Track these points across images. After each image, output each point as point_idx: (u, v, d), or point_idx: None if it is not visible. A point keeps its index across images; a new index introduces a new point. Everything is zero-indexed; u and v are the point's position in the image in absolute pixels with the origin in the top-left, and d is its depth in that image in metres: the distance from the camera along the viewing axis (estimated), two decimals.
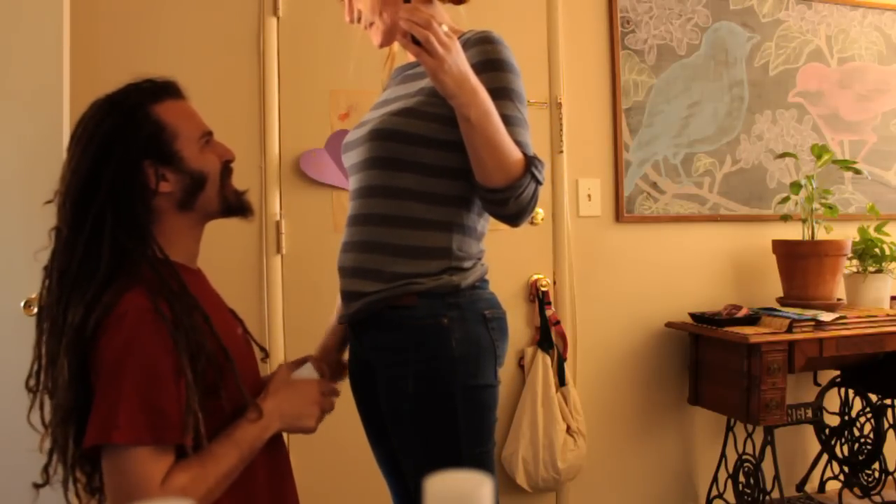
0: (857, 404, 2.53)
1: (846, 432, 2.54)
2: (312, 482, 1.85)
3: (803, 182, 2.40)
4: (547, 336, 2.23)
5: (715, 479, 2.41)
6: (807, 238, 2.40)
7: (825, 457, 2.58)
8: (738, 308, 2.32)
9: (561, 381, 2.21)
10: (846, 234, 2.48)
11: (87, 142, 0.97)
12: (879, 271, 2.47)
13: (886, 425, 2.44)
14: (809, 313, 2.18)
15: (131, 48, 1.92)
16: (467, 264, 1.14)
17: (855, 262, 2.50)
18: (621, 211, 2.40)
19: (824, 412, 2.49)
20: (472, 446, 1.09)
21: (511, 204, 1.05)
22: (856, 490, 2.50)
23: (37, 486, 0.94)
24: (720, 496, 2.39)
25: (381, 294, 1.11)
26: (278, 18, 2.06)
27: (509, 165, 1.03)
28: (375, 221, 1.14)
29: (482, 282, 1.17)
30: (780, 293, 2.47)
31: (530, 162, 1.05)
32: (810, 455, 2.63)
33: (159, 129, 0.99)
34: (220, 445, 0.94)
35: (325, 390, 1.11)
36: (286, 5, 2.07)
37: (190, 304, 0.94)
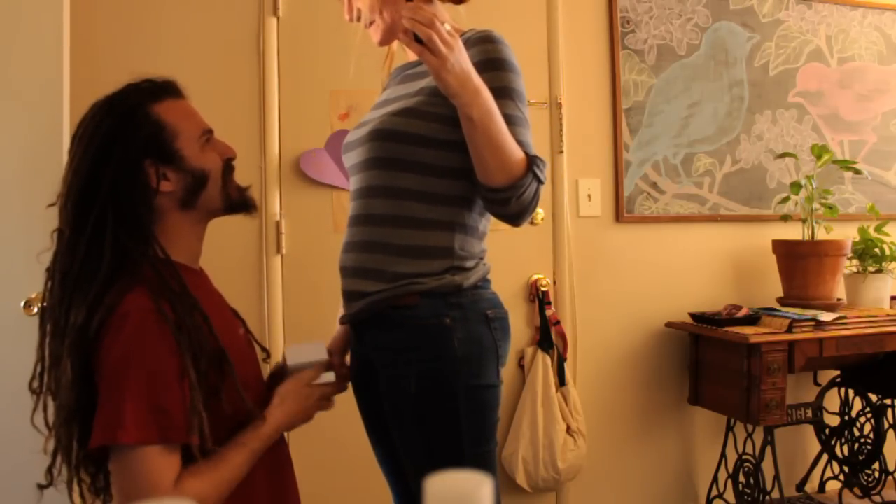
0: (857, 404, 2.53)
1: (846, 432, 2.54)
2: (313, 482, 1.85)
3: (803, 182, 2.40)
4: (547, 336, 2.23)
5: (715, 479, 2.41)
6: (807, 238, 2.40)
7: (825, 457, 2.58)
8: (738, 308, 2.32)
9: (561, 381, 2.21)
10: (846, 234, 2.48)
11: (88, 143, 0.97)
12: (879, 271, 2.47)
13: (886, 425, 2.44)
14: (809, 313, 2.18)
15: (131, 48, 1.92)
16: (469, 264, 1.14)
17: (855, 262, 2.50)
18: (621, 211, 2.40)
19: (824, 412, 2.49)
20: (474, 446, 1.09)
21: (513, 203, 1.05)
22: (856, 490, 2.50)
23: (41, 487, 0.94)
24: (720, 496, 2.39)
25: (383, 294, 1.11)
26: (278, 18, 2.06)
27: (511, 165, 1.03)
28: (377, 221, 1.13)
29: (484, 281, 1.17)
30: (780, 293, 2.47)
31: (532, 161, 1.05)
32: (810, 455, 2.63)
33: (159, 128, 0.99)
34: (231, 451, 0.95)
35: (330, 393, 1.12)
36: (286, 5, 2.07)
37: (190, 304, 0.94)
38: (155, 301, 0.91)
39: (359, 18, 1.22)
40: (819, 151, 2.44)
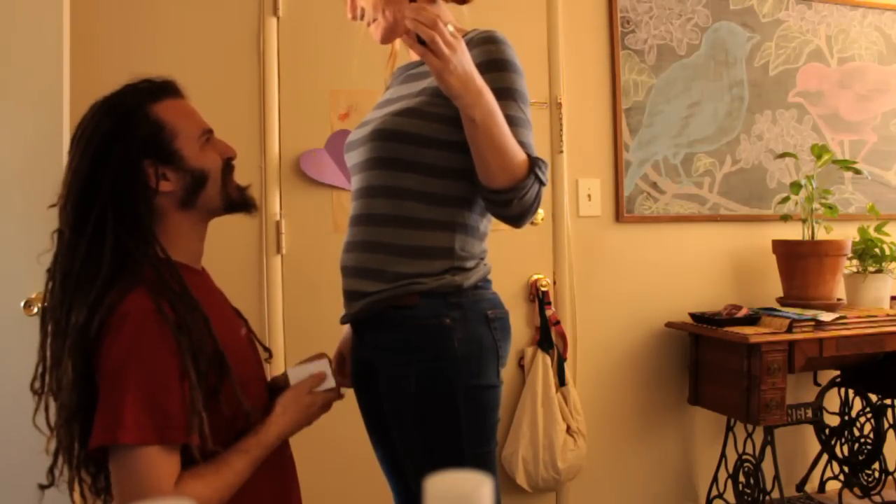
0: (857, 404, 2.53)
1: (846, 432, 2.54)
2: (314, 482, 1.85)
3: (803, 182, 2.40)
4: (547, 336, 2.23)
5: (715, 479, 2.41)
6: (807, 238, 2.40)
7: (825, 457, 2.58)
8: (738, 308, 2.32)
9: (561, 381, 2.21)
10: (846, 234, 2.48)
11: (87, 143, 0.97)
12: (879, 271, 2.47)
13: (886, 425, 2.44)
14: (809, 313, 2.18)
15: (131, 48, 1.92)
16: (470, 264, 1.14)
17: (855, 262, 2.50)
18: (621, 211, 2.40)
19: (824, 412, 2.49)
20: (475, 446, 1.09)
21: (514, 205, 1.05)
22: (856, 490, 2.50)
23: (42, 488, 0.95)
24: (720, 496, 2.39)
25: (383, 294, 1.11)
26: (278, 18, 2.06)
27: (513, 167, 1.02)
28: (377, 221, 1.14)
29: (485, 282, 1.17)
30: (780, 293, 2.47)
31: (534, 163, 1.05)
32: (810, 455, 2.63)
33: (158, 128, 0.99)
34: (233, 456, 0.95)
35: (331, 400, 1.13)
36: (286, 5, 2.07)
37: (191, 304, 0.94)
38: (155, 301, 0.91)
39: (362, 17, 1.21)
40: (819, 151, 2.44)
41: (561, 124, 2.31)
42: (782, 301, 2.43)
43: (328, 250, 2.01)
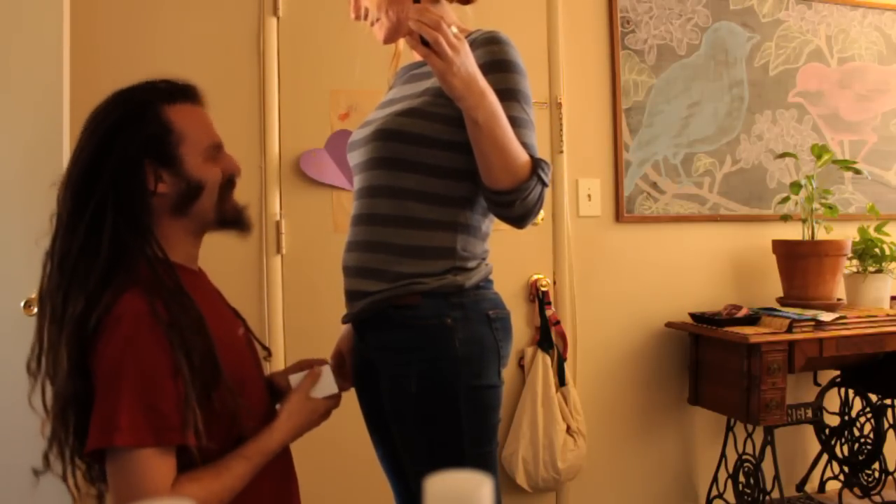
0: (857, 404, 2.53)
1: (846, 432, 2.54)
2: (314, 482, 1.85)
3: (803, 182, 2.40)
4: (547, 336, 2.23)
5: (715, 479, 2.41)
6: (807, 238, 2.40)
7: (825, 457, 2.58)
8: (738, 308, 2.32)
9: (561, 381, 2.21)
10: (846, 234, 2.48)
11: (94, 130, 0.98)
12: (879, 271, 2.47)
13: (886, 425, 2.44)
14: (809, 313, 2.18)
15: (131, 48, 1.92)
16: (471, 264, 1.14)
17: (855, 262, 2.50)
18: (621, 211, 2.40)
19: (824, 412, 2.49)
20: (475, 446, 1.09)
21: (517, 206, 1.05)
22: (856, 490, 2.50)
23: (37, 473, 0.94)
24: (720, 496, 2.39)
25: (384, 294, 1.11)
26: (278, 18, 2.06)
27: (516, 168, 1.02)
28: (379, 221, 1.14)
29: (486, 282, 1.17)
30: (780, 293, 2.47)
31: (536, 164, 1.05)
32: (810, 455, 2.63)
33: (165, 130, 0.99)
34: (233, 461, 0.95)
35: (334, 406, 1.13)
36: (286, 5, 2.07)
37: (185, 304, 0.94)
38: (150, 302, 0.90)
39: (365, 17, 1.21)
40: (819, 151, 2.44)
41: (561, 124, 2.31)
42: (782, 301, 2.43)
43: (328, 250, 2.01)
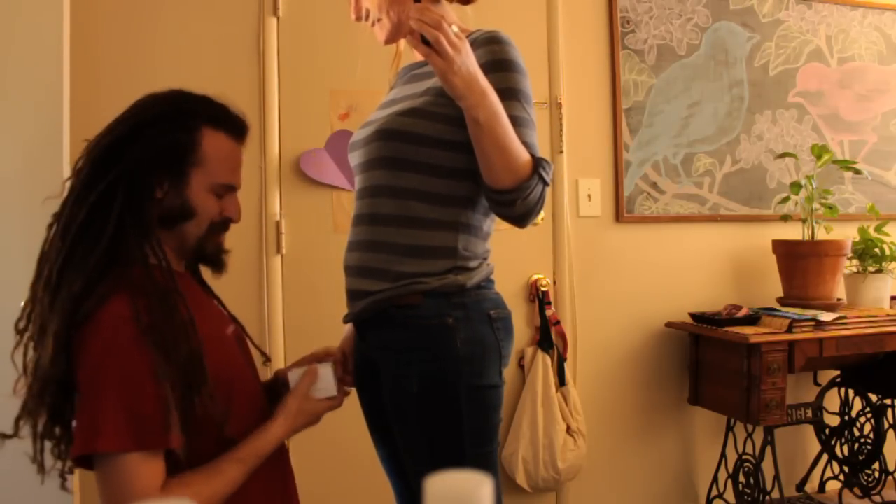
0: (857, 404, 2.53)
1: (846, 432, 2.54)
2: (314, 481, 1.85)
3: (803, 182, 2.40)
4: (547, 336, 2.23)
5: (715, 479, 2.41)
6: (807, 238, 2.40)
7: (825, 457, 2.58)
8: (738, 308, 2.32)
9: (561, 381, 2.21)
10: (846, 234, 2.48)
11: (134, 114, 0.99)
12: (879, 271, 2.47)
13: (886, 425, 2.44)
14: (809, 313, 2.18)
15: (131, 48, 1.92)
16: (473, 264, 1.14)
17: (855, 262, 2.50)
18: (621, 211, 2.40)
19: (824, 412, 2.49)
20: (476, 446, 1.09)
21: (518, 205, 1.05)
22: (856, 490, 2.51)
23: (4, 436, 0.93)
24: (720, 496, 2.39)
25: (386, 293, 1.11)
26: (278, 18, 2.06)
27: (517, 167, 1.02)
28: (381, 221, 1.14)
29: (488, 281, 1.17)
30: (780, 293, 2.47)
31: (538, 163, 1.05)
32: (810, 455, 2.63)
33: (190, 146, 0.99)
34: (226, 464, 0.94)
35: (334, 406, 1.12)
36: (286, 5, 2.07)
37: (175, 304, 0.93)
38: (133, 306, 0.90)
39: (366, 17, 1.22)
40: (819, 151, 2.44)
41: (561, 124, 2.31)
42: (782, 301, 2.43)
43: (328, 250, 2.01)
